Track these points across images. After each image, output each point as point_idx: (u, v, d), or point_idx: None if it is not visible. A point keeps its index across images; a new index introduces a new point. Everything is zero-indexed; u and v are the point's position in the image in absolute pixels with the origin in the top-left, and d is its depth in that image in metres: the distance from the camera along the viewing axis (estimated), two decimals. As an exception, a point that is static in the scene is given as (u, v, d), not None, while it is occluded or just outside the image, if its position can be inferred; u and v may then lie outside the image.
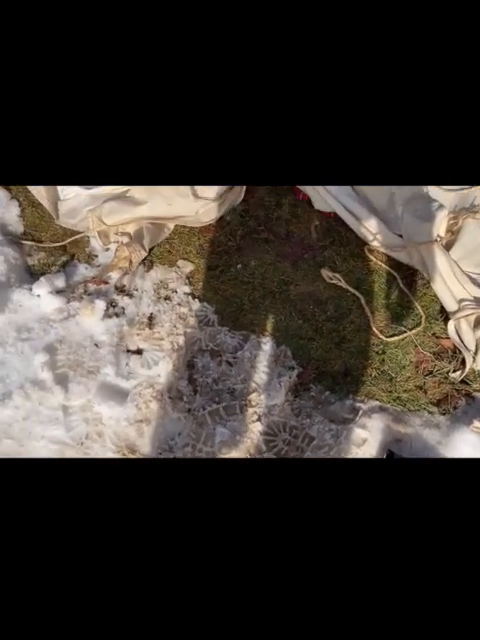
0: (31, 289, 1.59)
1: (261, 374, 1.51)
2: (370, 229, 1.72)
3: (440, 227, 1.60)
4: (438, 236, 1.59)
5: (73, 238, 1.75)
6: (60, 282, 1.64)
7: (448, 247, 1.65)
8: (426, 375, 1.54)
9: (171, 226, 1.79)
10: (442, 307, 1.62)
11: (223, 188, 1.75)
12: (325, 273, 1.68)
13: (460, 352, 1.54)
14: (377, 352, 1.57)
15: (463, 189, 1.73)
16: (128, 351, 1.54)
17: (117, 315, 1.59)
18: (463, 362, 1.53)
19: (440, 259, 1.57)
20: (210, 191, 1.73)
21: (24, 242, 1.76)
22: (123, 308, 1.61)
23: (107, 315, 1.58)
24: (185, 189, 1.68)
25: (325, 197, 1.77)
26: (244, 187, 1.81)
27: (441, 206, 1.62)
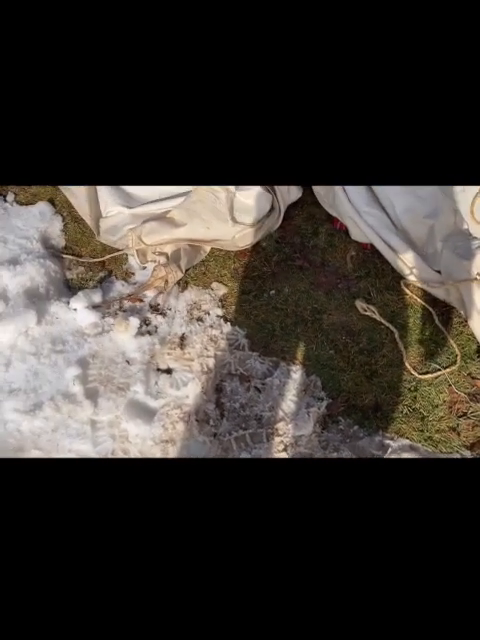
0: (68, 302, 1.63)
1: (289, 403, 1.50)
2: (407, 263, 1.70)
3: (480, 265, 1.57)
4: (478, 274, 1.56)
5: (112, 255, 1.79)
6: (97, 297, 1.67)
7: (487, 286, 1.61)
8: (460, 416, 1.49)
9: (208, 249, 1.81)
10: (479, 347, 1.58)
11: (261, 214, 1.77)
12: (359, 304, 1.67)
13: (496, 395, 1.50)
14: (409, 389, 1.54)
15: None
16: (158, 370, 1.55)
17: (150, 333, 1.61)
18: (499, 405, 1.48)
19: (479, 298, 1.54)
20: (248, 216, 1.75)
21: (64, 256, 1.81)
22: (156, 327, 1.63)
23: (140, 333, 1.60)
24: (224, 214, 1.71)
25: (363, 228, 1.77)
26: (282, 214, 1.83)
27: (482, 244, 1.60)
